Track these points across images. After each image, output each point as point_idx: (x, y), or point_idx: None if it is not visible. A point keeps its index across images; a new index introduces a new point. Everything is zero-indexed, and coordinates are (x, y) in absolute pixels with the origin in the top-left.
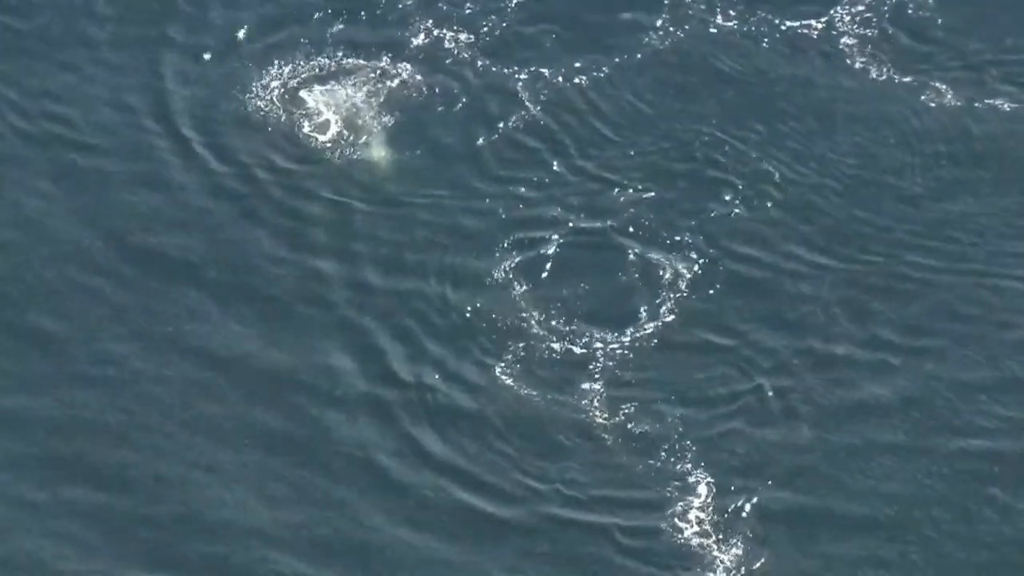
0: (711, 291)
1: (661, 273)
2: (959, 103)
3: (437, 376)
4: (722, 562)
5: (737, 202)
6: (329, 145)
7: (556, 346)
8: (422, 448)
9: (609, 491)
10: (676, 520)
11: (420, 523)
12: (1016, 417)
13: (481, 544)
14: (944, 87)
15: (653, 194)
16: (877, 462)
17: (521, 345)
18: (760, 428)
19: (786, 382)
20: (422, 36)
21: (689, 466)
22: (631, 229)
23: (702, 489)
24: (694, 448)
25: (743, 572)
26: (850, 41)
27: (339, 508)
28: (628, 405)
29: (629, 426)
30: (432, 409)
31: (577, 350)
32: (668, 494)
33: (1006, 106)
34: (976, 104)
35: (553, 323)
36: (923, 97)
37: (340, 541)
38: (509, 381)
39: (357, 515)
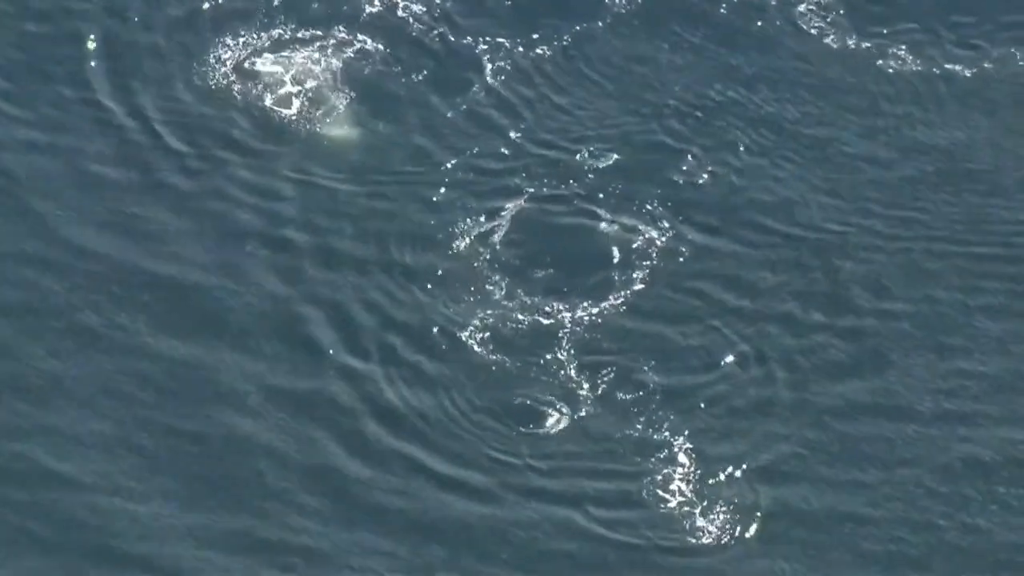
0: (680, 259)
1: (629, 241)
2: (919, 68)
3: (403, 346)
4: (707, 532)
5: (702, 170)
6: (292, 120)
7: (524, 316)
8: (388, 419)
9: (585, 463)
10: (657, 491)
11: (385, 496)
12: (993, 375)
13: (453, 521)
14: (903, 51)
15: (618, 162)
16: (859, 425)
17: (489, 315)
18: (740, 395)
19: (764, 348)
20: (377, 4)
21: (668, 434)
22: (598, 198)
23: (683, 458)
24: (673, 416)
25: (729, 541)
26: (810, 6)
27: (321, 472)
28: (602, 374)
29: (604, 395)
30: (397, 380)
31: (546, 320)
32: (648, 464)
33: (966, 72)
34: (935, 69)
35: (521, 293)
36: (882, 62)
37: (320, 504)
38: (477, 350)
39: (335, 481)
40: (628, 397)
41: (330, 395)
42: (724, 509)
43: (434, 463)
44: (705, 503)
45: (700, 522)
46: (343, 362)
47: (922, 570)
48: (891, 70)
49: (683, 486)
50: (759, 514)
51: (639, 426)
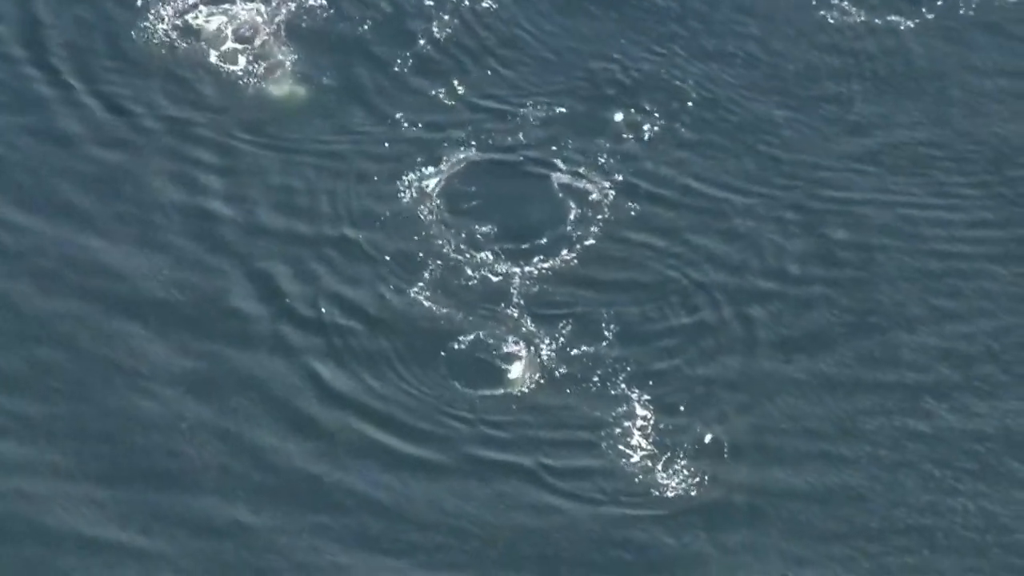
0: (632, 213)
1: (580, 194)
2: (863, 19)
3: (347, 306)
4: (669, 489)
5: (653, 124)
6: (236, 77)
7: (475, 271)
8: (333, 386)
9: (541, 420)
10: (616, 448)
11: (335, 465)
12: (967, 333)
13: (401, 486)
14: (846, 4)
15: (567, 115)
16: (824, 378)
17: (438, 272)
18: (700, 349)
19: (722, 302)
20: None
21: (624, 387)
22: (548, 151)
23: (642, 412)
24: (631, 369)
25: (692, 498)
26: None
27: (254, 450)
28: (556, 328)
29: (559, 350)
30: (344, 343)
31: (497, 275)
32: (606, 420)
33: (909, 23)
34: (877, 20)
35: (471, 247)
36: (824, 12)
37: (253, 482)
38: (426, 306)
39: (269, 457)
40: (584, 351)
41: (269, 363)
42: (687, 464)
43: (380, 427)
44: (667, 457)
45: (662, 478)
46: (285, 322)
47: (892, 536)
48: (833, 20)
49: (643, 441)
50: (724, 470)
51: (596, 380)
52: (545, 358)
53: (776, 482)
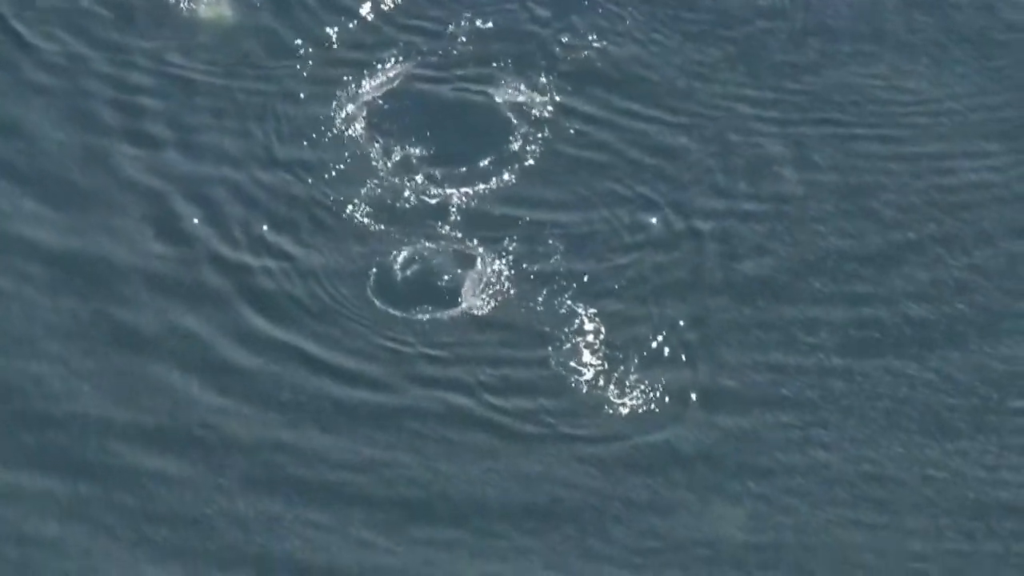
0: (571, 131)
1: (518, 113)
2: None
3: (283, 229)
4: (622, 407)
5: (592, 41)
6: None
7: (412, 193)
8: (270, 307)
9: (486, 339)
10: (564, 367)
11: (270, 386)
12: (918, 277)
13: (342, 424)
14: None
15: (501, 32)
16: (774, 289)
17: (374, 193)
18: (649, 264)
19: (670, 217)
20: None
21: (571, 305)
22: (484, 69)
23: (590, 328)
24: (577, 287)
25: (643, 415)
26: None
27: (179, 395)
28: (498, 248)
29: (502, 270)
30: (277, 265)
31: (435, 196)
32: (554, 340)
33: None
34: None
35: (408, 168)
36: None
37: (180, 431)
38: (361, 227)
39: (221, 372)
40: (529, 269)
41: (209, 284)
42: (638, 379)
43: (319, 351)
44: (618, 373)
45: (614, 394)
46: (217, 250)
47: (845, 444)
48: None
49: (593, 357)
50: (676, 385)
51: (541, 300)
52: (490, 278)
53: (729, 396)
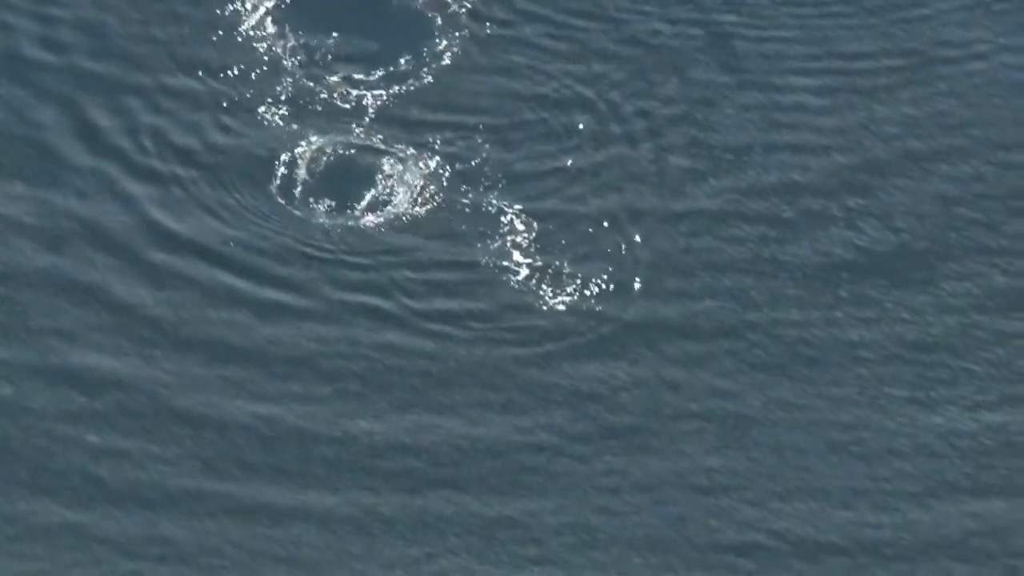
0: (489, 31)
1: (434, 11)
2: None
3: (189, 136)
4: (558, 306)
5: None
6: None
7: (326, 94)
8: (178, 226)
9: (412, 244)
10: (494, 269)
11: (186, 311)
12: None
13: (261, 333)
14: None
15: None
16: (708, 186)
17: (287, 94)
18: (583, 161)
19: (600, 110)
20: None
21: (497, 201)
22: None
23: (520, 227)
24: (505, 183)
25: (583, 315)
26: None
27: (99, 297)
28: (421, 147)
29: (426, 171)
30: (185, 170)
31: (351, 99)
32: (481, 241)
33: None
34: None
35: (320, 68)
36: None
37: (112, 327)
38: (275, 130)
39: (117, 302)
40: (453, 171)
41: (123, 191)
42: (570, 277)
43: (235, 256)
44: (551, 273)
45: (548, 297)
46: (129, 157)
47: (774, 349)
48: None
49: (524, 259)
50: (616, 286)
51: (467, 201)
52: (413, 179)
53: (667, 290)
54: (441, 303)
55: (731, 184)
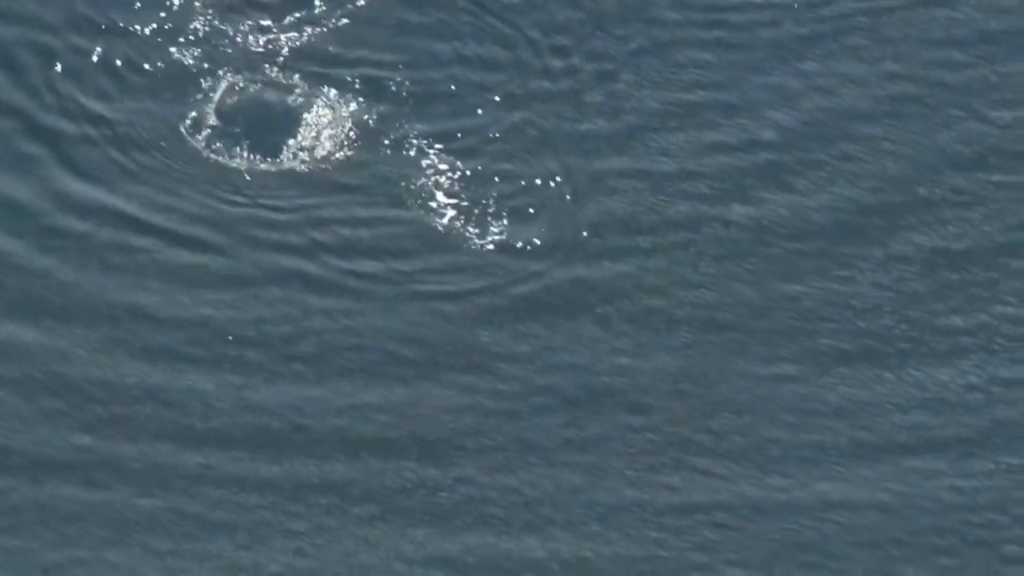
0: None
1: None
2: None
3: (97, 92)
4: (485, 246)
5: None
6: None
7: (238, 33)
8: (85, 191)
9: (328, 185)
10: (419, 207)
11: (94, 273)
12: None
13: (180, 288)
14: None
15: None
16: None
17: (197, 35)
18: (504, 95)
19: (529, 39)
20: None
21: (417, 138)
22: None
23: (444, 168)
24: (425, 118)
25: (510, 255)
26: None
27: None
28: (338, 87)
29: (346, 112)
30: (84, 113)
31: (263, 40)
32: (401, 180)
33: None
34: None
35: (234, 12)
36: None
37: (10, 300)
38: (180, 71)
39: (18, 264)
40: (375, 110)
41: (23, 152)
42: (497, 221)
43: (145, 212)
44: (477, 216)
45: (474, 246)
46: (30, 115)
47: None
48: None
49: (449, 199)
50: (546, 220)
51: (387, 142)
52: (333, 121)
53: (604, 228)
54: (363, 253)
55: (678, 140)
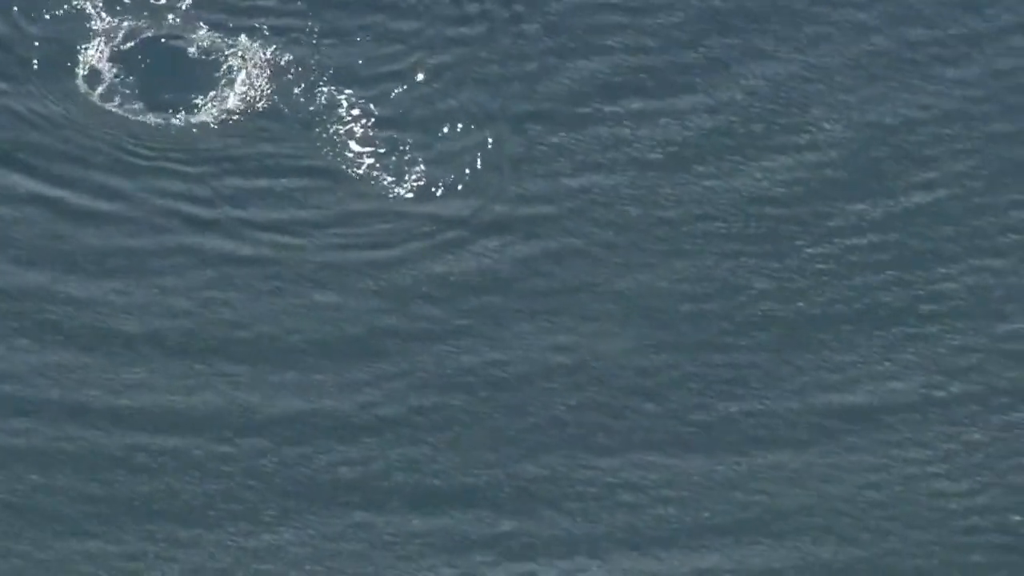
0: None
1: None
2: None
3: None
4: (404, 195)
5: None
6: None
7: None
8: None
9: (237, 136)
10: (334, 156)
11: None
12: None
13: (77, 238)
14: None
15: None
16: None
17: None
18: (429, 45)
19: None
20: None
21: (326, 89)
22: None
23: (358, 112)
24: (337, 72)
25: (429, 209)
26: None
27: None
28: (248, 28)
29: (254, 54)
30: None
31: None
32: (315, 127)
33: None
34: None
35: None
36: None
37: None
38: (88, 14)
39: None
40: (284, 58)
41: None
42: (412, 167)
43: (40, 171)
44: (392, 162)
45: (395, 189)
46: None
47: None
48: None
49: (364, 147)
50: (455, 171)
51: (298, 90)
52: (240, 69)
53: (511, 195)
54: (276, 207)
55: (587, 78)
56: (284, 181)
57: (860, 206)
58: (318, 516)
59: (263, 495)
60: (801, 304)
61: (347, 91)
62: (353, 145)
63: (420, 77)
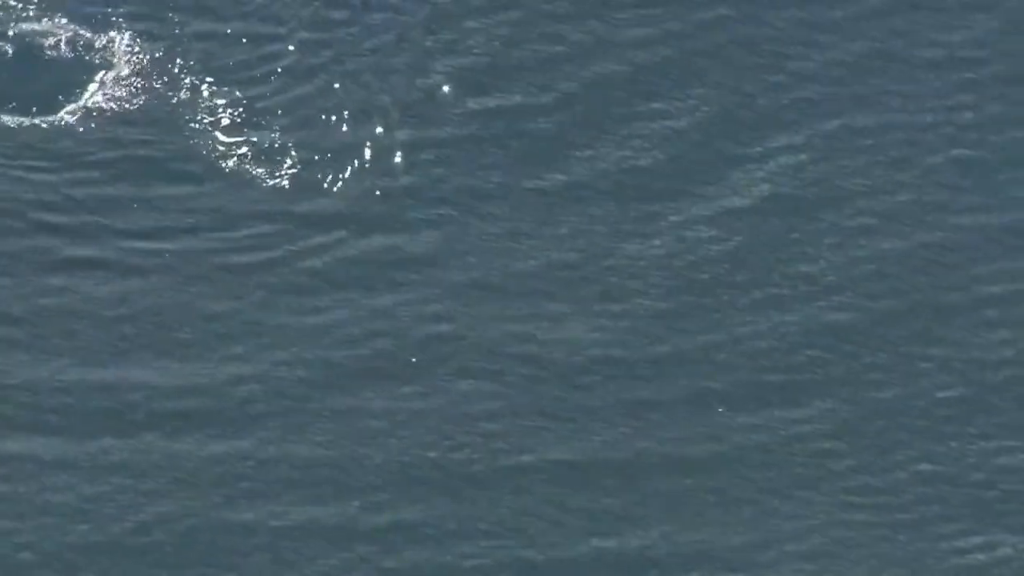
0: None
1: None
2: None
3: None
4: (277, 185)
5: None
6: None
7: None
8: None
9: (104, 134)
10: (202, 149)
11: None
12: None
13: None
14: None
15: None
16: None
17: None
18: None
19: None
20: None
21: (190, 80)
22: None
23: (223, 101)
24: (202, 63)
25: (300, 195)
26: None
27: None
28: (108, 20)
29: (120, 52)
30: None
31: None
32: (183, 119)
33: None
34: None
35: None
36: None
37: None
38: None
39: None
40: (149, 52)
41: None
42: (286, 152)
43: None
44: (265, 148)
45: (263, 177)
46: None
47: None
48: None
49: (233, 138)
50: (340, 158)
51: (165, 83)
52: (103, 64)
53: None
54: (145, 213)
55: (468, 65)
56: (151, 180)
57: None
58: None
59: None
60: None
61: (215, 83)
62: (222, 136)
63: (292, 65)
